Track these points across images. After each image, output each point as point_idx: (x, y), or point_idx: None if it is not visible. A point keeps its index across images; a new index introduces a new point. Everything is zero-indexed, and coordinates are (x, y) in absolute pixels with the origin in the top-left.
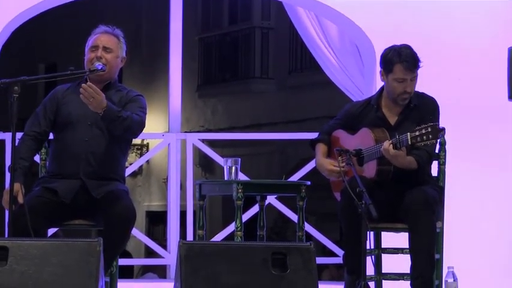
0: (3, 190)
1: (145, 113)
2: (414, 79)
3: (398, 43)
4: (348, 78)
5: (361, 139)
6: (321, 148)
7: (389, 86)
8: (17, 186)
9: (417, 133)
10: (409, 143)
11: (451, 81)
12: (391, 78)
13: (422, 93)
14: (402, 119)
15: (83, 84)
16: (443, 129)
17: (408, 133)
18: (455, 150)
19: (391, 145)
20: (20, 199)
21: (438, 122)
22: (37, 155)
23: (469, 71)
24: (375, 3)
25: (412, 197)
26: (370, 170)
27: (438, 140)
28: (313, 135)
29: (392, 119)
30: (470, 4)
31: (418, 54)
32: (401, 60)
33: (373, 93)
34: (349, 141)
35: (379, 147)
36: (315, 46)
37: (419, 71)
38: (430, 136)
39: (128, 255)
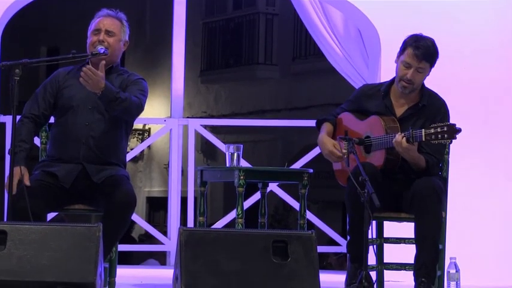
0: (4, 172)
1: (146, 96)
2: (422, 71)
3: (403, 31)
4: (351, 66)
5: (371, 126)
6: (326, 127)
7: (397, 68)
8: (17, 169)
9: (432, 130)
10: (423, 139)
11: (457, 76)
12: (401, 61)
13: (434, 94)
14: (408, 114)
15: (84, 68)
16: (460, 130)
17: (423, 129)
18: (458, 141)
19: (404, 138)
20: (26, 181)
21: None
22: (37, 138)
23: (476, 66)
24: None
25: (419, 185)
26: (378, 158)
27: (452, 141)
28: None
29: (399, 111)
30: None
31: None
32: (414, 45)
33: (377, 81)
34: (357, 126)
35: (390, 137)
36: (318, 33)
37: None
38: (446, 135)
39: (132, 241)
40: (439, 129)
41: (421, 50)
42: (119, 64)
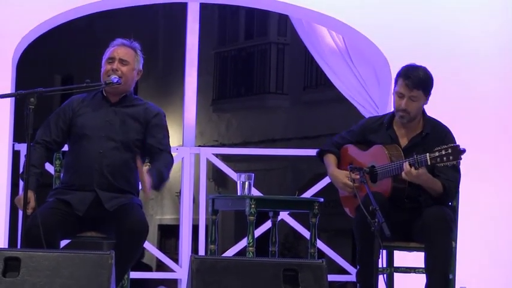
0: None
1: None
2: (415, 99)
3: (413, 60)
4: (365, 92)
5: (375, 156)
6: (331, 159)
7: (394, 100)
8: (29, 193)
9: (437, 154)
10: (429, 163)
11: (464, 97)
12: (395, 92)
13: (437, 122)
14: (412, 144)
15: (145, 195)
16: (464, 150)
17: (427, 153)
18: (467, 170)
19: (412, 167)
20: (31, 208)
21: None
22: (51, 166)
23: (483, 89)
24: (391, 20)
25: (429, 214)
26: (384, 187)
27: (459, 162)
28: None
29: (403, 141)
30: (486, 24)
31: (434, 71)
32: (405, 75)
33: (388, 109)
34: (361, 157)
35: (395, 165)
36: (330, 60)
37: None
38: (451, 157)
39: (148, 268)
40: (443, 152)
41: (411, 80)
42: (132, 92)
